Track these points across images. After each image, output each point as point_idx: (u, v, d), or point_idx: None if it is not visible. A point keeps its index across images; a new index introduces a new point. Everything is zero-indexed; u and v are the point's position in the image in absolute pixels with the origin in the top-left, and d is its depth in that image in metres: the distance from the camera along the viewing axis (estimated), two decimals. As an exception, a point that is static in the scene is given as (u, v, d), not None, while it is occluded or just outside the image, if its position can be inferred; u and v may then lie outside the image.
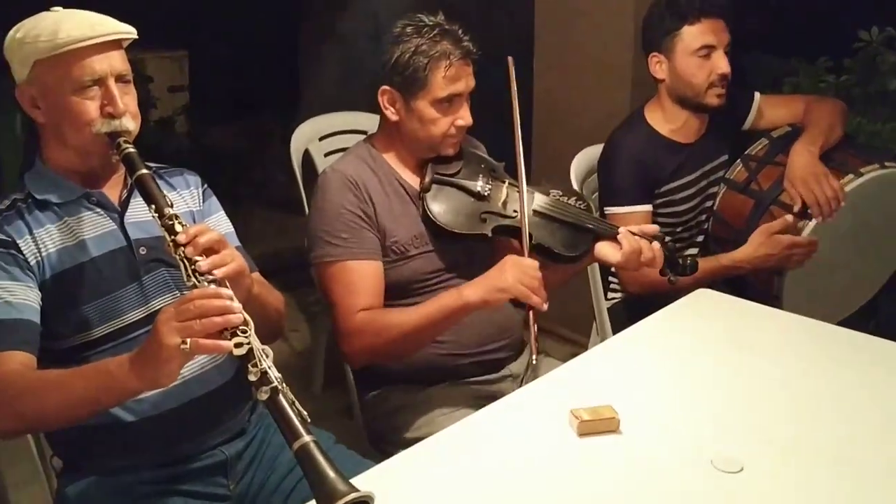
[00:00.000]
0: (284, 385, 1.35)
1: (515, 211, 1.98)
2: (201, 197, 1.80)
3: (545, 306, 1.80)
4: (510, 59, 2.04)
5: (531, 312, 1.81)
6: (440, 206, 1.98)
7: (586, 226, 2.03)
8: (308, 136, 2.82)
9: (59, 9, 1.62)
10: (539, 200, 2.03)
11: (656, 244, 2.01)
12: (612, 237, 2.00)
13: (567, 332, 3.56)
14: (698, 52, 2.36)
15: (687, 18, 2.35)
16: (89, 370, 1.44)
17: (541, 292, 1.80)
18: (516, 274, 1.79)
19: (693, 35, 2.36)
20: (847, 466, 1.44)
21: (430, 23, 1.95)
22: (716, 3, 2.36)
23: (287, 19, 5.42)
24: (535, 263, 1.83)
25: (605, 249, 2.01)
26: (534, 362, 1.83)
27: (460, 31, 1.97)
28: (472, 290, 1.83)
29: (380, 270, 1.95)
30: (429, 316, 1.86)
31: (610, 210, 2.40)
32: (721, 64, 2.36)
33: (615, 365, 1.83)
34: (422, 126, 1.98)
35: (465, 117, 1.98)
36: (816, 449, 1.50)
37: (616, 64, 3.22)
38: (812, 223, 2.27)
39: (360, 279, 1.92)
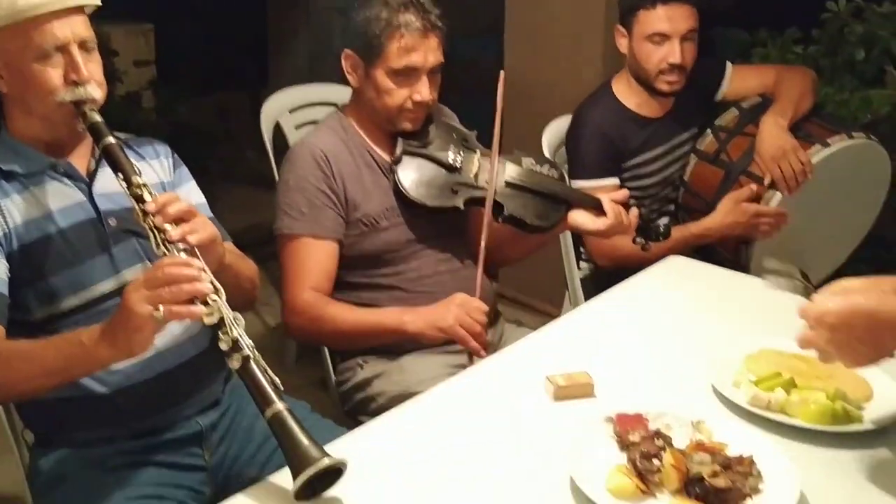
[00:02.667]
0: (256, 353, 1.35)
1: (487, 182, 1.97)
2: (171, 167, 1.78)
3: (483, 354, 1.82)
4: (503, 73, 1.97)
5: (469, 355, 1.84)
6: (411, 179, 1.97)
7: (560, 195, 2.03)
8: (279, 109, 2.78)
9: (20, -24, 1.57)
10: (511, 171, 2.03)
11: (633, 210, 2.02)
12: (589, 206, 2.01)
13: (539, 303, 3.58)
14: (651, 39, 2.33)
15: (644, 2, 2.32)
16: (60, 340, 1.43)
17: (481, 338, 1.82)
18: (459, 315, 1.82)
19: (648, 20, 2.33)
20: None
21: None
22: None
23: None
24: (483, 306, 1.85)
25: (580, 217, 2.02)
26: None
27: (428, 4, 1.94)
28: (413, 319, 1.87)
29: (334, 252, 1.95)
30: (365, 324, 1.91)
31: (577, 183, 2.38)
32: (673, 53, 2.32)
33: (589, 331, 1.84)
34: (378, 96, 1.96)
35: (422, 92, 1.94)
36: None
37: (587, 36, 3.22)
38: (779, 195, 2.29)
39: (311, 257, 1.93)
